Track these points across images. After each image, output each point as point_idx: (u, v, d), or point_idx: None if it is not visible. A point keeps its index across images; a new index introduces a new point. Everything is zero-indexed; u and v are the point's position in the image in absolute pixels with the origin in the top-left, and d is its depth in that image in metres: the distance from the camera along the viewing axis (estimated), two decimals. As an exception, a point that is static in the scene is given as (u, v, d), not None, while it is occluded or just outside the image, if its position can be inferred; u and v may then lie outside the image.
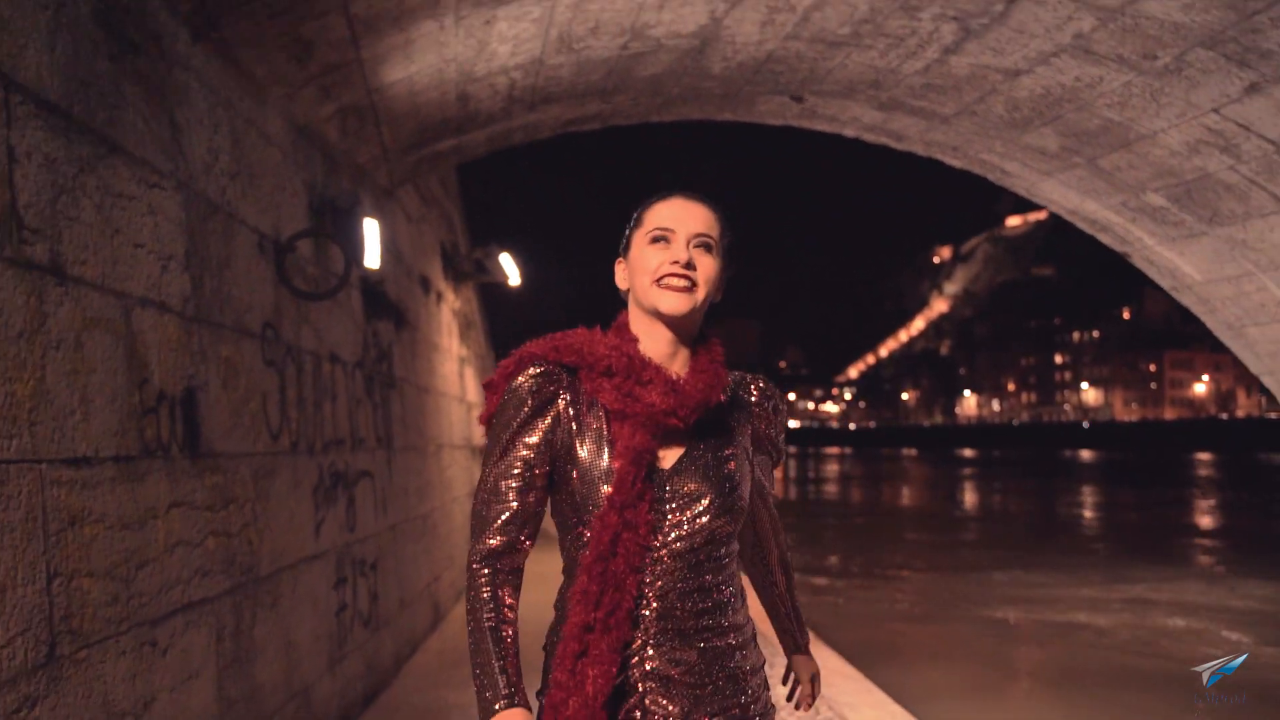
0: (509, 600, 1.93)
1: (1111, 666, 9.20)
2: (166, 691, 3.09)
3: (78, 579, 2.60)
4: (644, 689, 1.90)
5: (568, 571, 1.99)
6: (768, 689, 2.06)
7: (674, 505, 1.93)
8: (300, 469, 4.61)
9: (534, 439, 1.95)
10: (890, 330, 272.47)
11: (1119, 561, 16.69)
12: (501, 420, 1.96)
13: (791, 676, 2.43)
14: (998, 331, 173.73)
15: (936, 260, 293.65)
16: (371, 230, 5.29)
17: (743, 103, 7.05)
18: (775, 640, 2.48)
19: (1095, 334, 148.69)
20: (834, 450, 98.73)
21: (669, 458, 1.96)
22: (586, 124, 7.36)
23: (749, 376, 2.15)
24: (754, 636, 2.05)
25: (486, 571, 1.92)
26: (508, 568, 1.95)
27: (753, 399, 2.12)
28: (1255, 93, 5.16)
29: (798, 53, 5.95)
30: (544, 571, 2.75)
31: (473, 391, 11.06)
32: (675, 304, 1.94)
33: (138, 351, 3.04)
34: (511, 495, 1.94)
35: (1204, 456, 66.04)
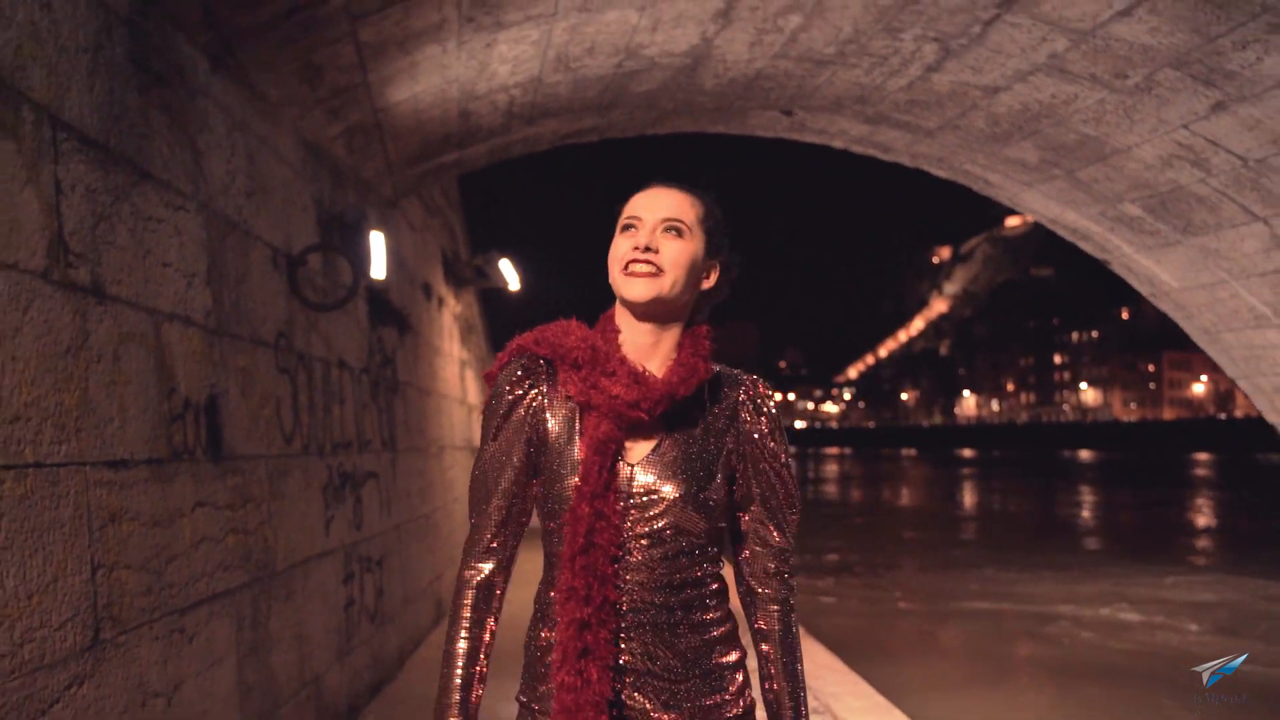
0: (490, 625, 1.97)
1: (1098, 662, 9.43)
2: (193, 676, 3.34)
3: (117, 571, 2.85)
4: (620, 684, 1.89)
5: (548, 564, 2.00)
6: (749, 685, 2.03)
7: (642, 499, 1.91)
8: (311, 470, 4.86)
9: (514, 431, 1.96)
10: (889, 331, 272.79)
11: (1113, 560, 16.93)
12: (489, 411, 1.99)
13: None
14: (997, 332, 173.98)
15: (936, 260, 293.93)
16: (377, 242, 5.53)
17: (734, 116, 7.30)
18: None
19: (1094, 334, 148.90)
20: (833, 450, 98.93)
21: (638, 451, 1.94)
22: (584, 137, 7.60)
23: (744, 376, 2.07)
24: (734, 631, 2.03)
25: (469, 597, 1.96)
26: (495, 594, 1.99)
27: (739, 398, 2.03)
28: (1221, 110, 5.41)
29: (786, 70, 6.19)
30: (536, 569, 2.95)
31: (473, 394, 11.31)
32: (638, 290, 1.91)
33: (166, 363, 3.29)
34: (498, 496, 1.97)
35: (1202, 456, 66.23)
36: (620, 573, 1.89)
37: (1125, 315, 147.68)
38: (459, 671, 1.91)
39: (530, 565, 2.69)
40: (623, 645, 1.89)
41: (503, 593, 2.01)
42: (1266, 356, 7.26)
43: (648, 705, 1.90)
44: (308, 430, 4.82)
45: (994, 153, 6.92)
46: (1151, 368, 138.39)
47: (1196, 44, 4.95)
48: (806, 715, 2.06)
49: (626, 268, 1.92)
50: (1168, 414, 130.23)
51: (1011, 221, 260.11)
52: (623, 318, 1.98)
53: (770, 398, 2.08)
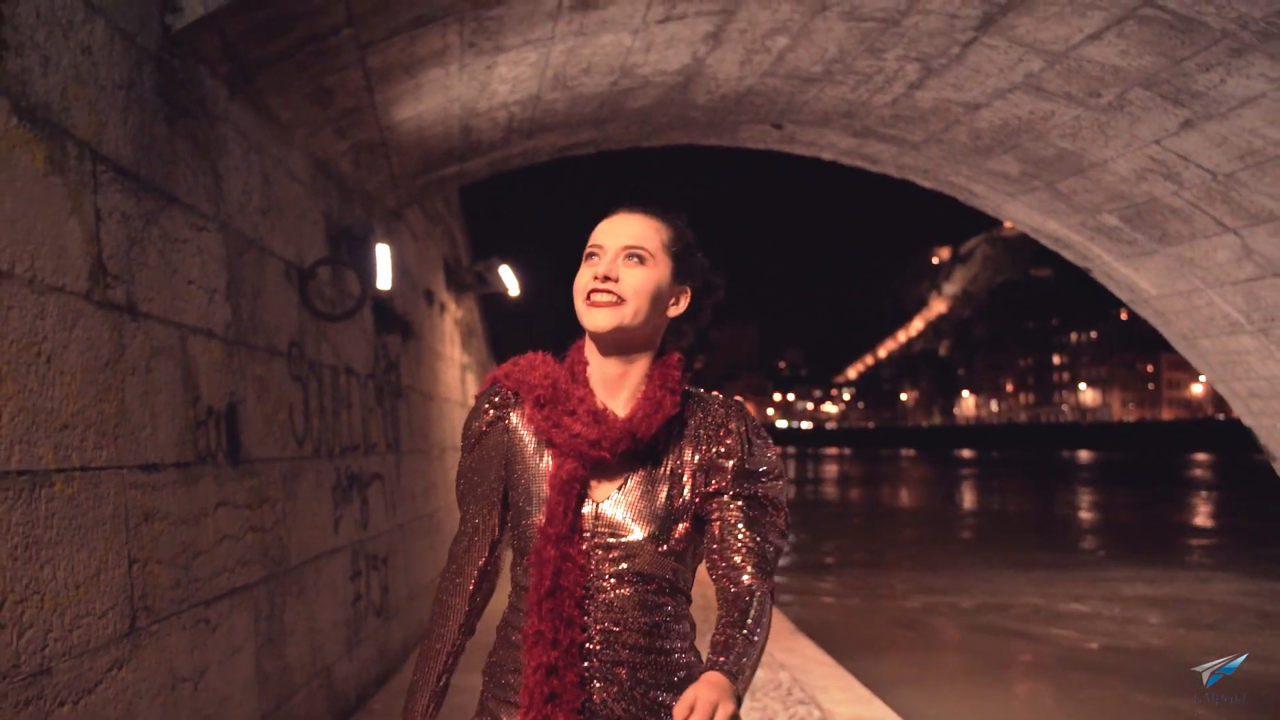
0: (459, 640, 1.99)
1: (1081, 658, 9.68)
2: (216, 664, 3.59)
3: (150, 565, 3.11)
4: None
5: (513, 592, 1.97)
6: None
7: (607, 539, 1.88)
8: (321, 472, 5.11)
9: (484, 461, 1.97)
10: (889, 331, 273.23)
11: (1106, 559, 17.19)
12: (464, 438, 2.02)
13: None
14: (996, 332, 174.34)
15: (935, 261, 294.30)
16: (383, 254, 5.79)
17: (726, 130, 7.55)
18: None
19: (1093, 335, 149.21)
20: (833, 451, 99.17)
21: (603, 489, 1.91)
22: (581, 149, 7.86)
23: (714, 398, 2.00)
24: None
25: (448, 596, 1.99)
26: (476, 589, 2.01)
27: (712, 422, 1.96)
28: (1190, 128, 5.66)
29: (775, 88, 6.45)
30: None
31: (474, 396, 11.59)
32: (597, 320, 1.87)
33: (191, 373, 3.55)
34: (472, 515, 2.00)
35: (1200, 457, 66.47)
36: (590, 613, 1.85)
37: (1123, 316, 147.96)
38: (433, 671, 1.96)
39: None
40: (597, 684, 1.85)
41: (483, 601, 2.03)
42: (1240, 361, 7.51)
43: None
44: (318, 434, 5.08)
45: (977, 165, 7.18)
46: (1150, 368, 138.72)
47: (1164, 66, 5.20)
48: (744, 672, 1.76)
49: (588, 297, 1.88)
50: (1166, 414, 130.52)
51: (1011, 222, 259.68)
52: (590, 348, 1.95)
53: (746, 417, 1.99)
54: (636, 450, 1.89)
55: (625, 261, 1.89)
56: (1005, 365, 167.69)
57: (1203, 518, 26.55)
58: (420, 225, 8.48)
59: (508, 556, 2.03)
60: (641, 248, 1.89)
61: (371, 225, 5.62)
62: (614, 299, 1.87)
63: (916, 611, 12.25)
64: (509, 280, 10.67)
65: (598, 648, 1.85)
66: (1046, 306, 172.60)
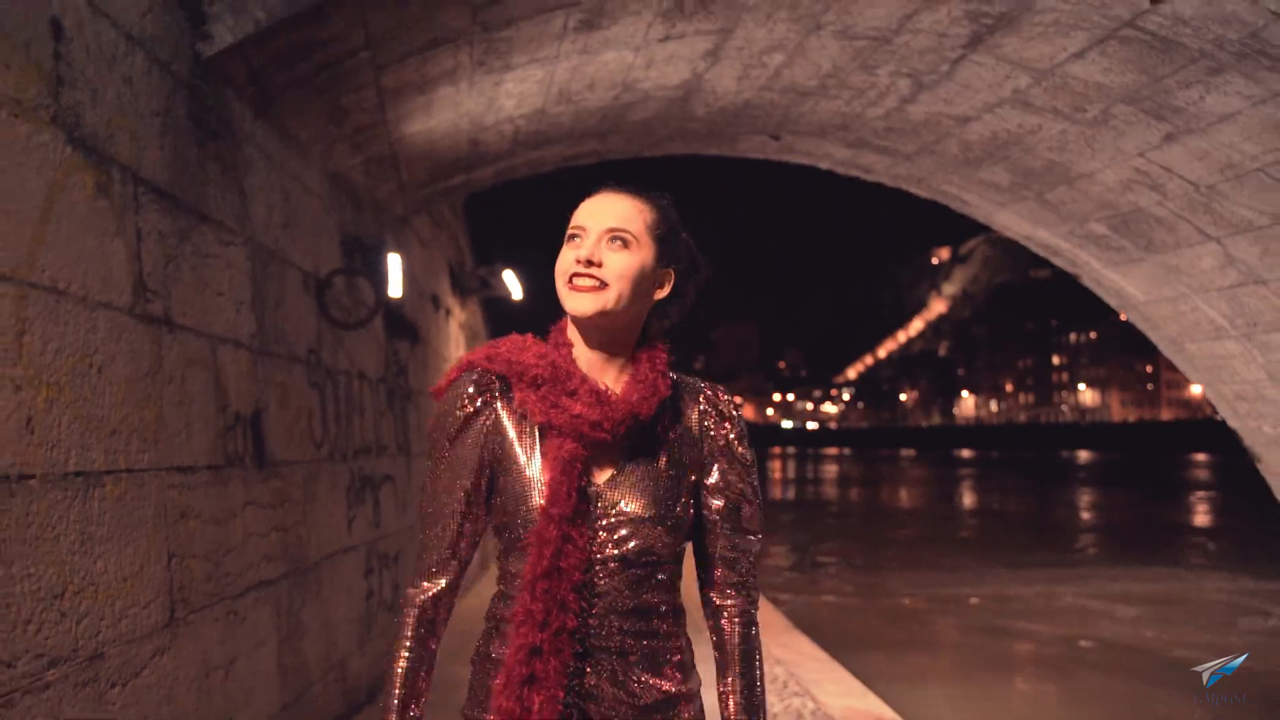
0: (430, 645, 1.91)
1: (1079, 656, 9.89)
2: (244, 654, 3.81)
3: (187, 560, 3.33)
4: (579, 711, 1.83)
5: (503, 580, 1.92)
6: (703, 715, 1.97)
7: (609, 521, 1.85)
8: (337, 474, 5.33)
9: (467, 450, 1.88)
10: (889, 331, 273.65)
11: (1101, 558, 17.40)
12: (439, 430, 1.91)
13: None
14: (995, 333, 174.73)
15: (935, 261, 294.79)
16: (394, 264, 6.01)
17: (725, 141, 7.78)
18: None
19: (1092, 335, 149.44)
20: (833, 451, 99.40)
21: (602, 472, 1.88)
22: (584, 159, 8.08)
23: (702, 384, 1.97)
24: (692, 659, 1.97)
25: (412, 616, 1.89)
26: (438, 615, 1.92)
27: (701, 407, 1.97)
28: (1172, 141, 5.88)
29: (772, 101, 6.67)
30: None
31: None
32: (580, 305, 1.83)
33: (221, 381, 3.77)
34: (448, 516, 1.89)
35: (1200, 457, 66.63)
36: (585, 598, 1.82)
37: (1122, 317, 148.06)
38: (397, 691, 1.86)
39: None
40: (588, 670, 1.82)
41: (447, 614, 1.94)
42: (1226, 365, 7.72)
43: None
44: (334, 438, 5.30)
45: (968, 175, 7.40)
46: (1149, 369, 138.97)
47: (1146, 83, 5.42)
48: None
49: (570, 281, 1.84)
50: (1165, 414, 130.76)
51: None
52: (573, 332, 1.91)
53: (732, 403, 1.98)
54: (633, 431, 1.87)
55: (609, 245, 1.84)
56: (1004, 366, 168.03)
57: (1198, 517, 26.77)
58: (427, 231, 8.70)
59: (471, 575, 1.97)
60: (625, 230, 1.84)
61: (384, 236, 5.84)
62: (596, 284, 1.82)
63: (912, 609, 12.46)
64: (512, 284, 10.89)
65: (591, 631, 1.82)
66: (1045, 307, 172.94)
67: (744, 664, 1.94)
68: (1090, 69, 5.45)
